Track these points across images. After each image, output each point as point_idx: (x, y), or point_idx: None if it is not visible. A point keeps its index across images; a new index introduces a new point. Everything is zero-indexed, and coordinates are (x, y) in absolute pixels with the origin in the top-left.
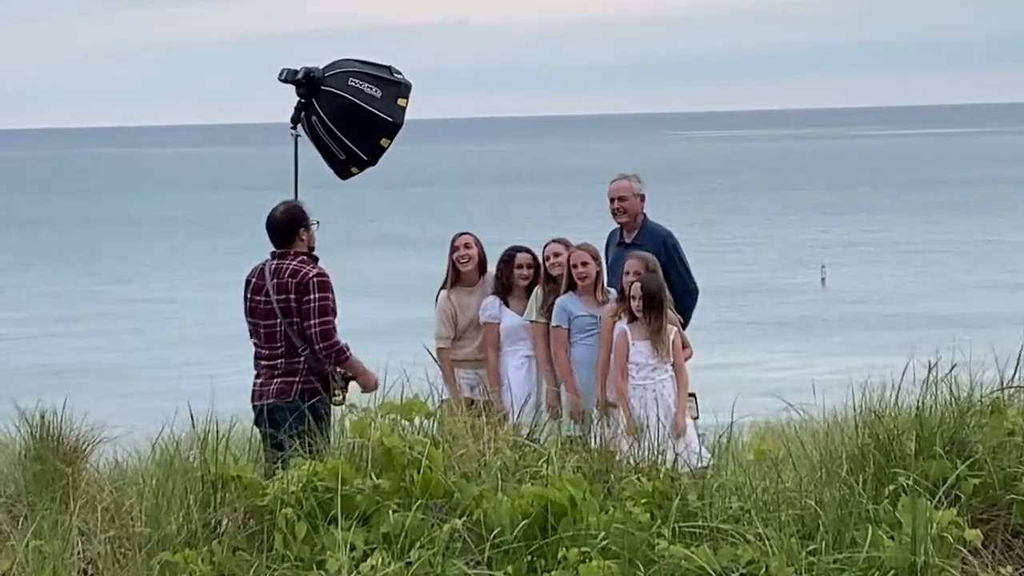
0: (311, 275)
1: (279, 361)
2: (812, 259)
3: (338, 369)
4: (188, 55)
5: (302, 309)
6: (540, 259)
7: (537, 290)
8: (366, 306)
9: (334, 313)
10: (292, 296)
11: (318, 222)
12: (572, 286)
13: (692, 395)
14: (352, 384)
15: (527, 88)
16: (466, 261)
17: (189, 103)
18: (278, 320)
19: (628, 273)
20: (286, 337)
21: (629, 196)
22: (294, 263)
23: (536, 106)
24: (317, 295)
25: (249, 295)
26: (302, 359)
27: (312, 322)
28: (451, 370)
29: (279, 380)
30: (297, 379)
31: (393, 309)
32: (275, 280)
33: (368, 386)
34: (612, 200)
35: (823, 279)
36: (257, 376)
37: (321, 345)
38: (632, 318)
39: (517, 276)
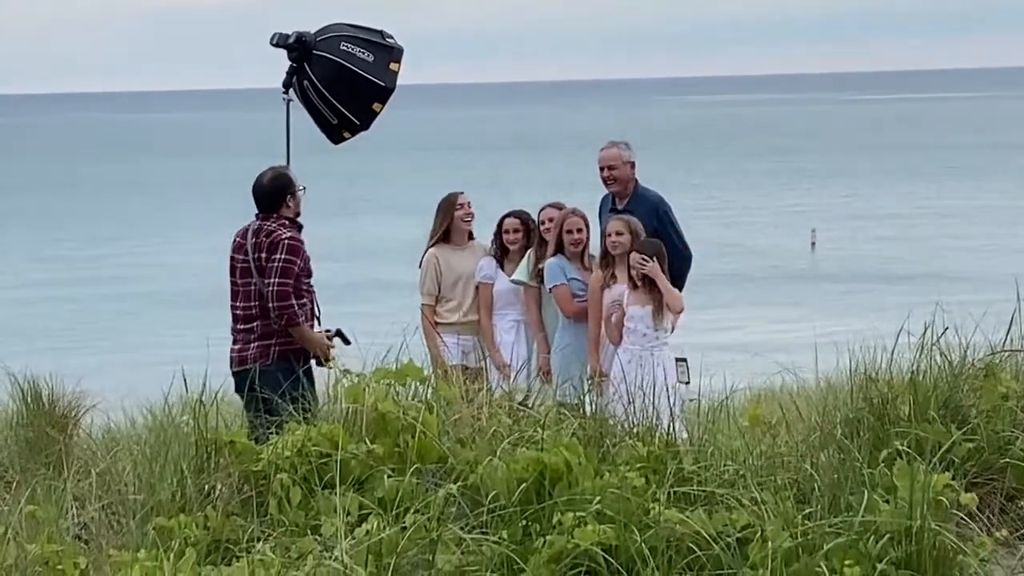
0: (284, 237)
1: (255, 324)
2: (803, 223)
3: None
4: (184, 21)
5: (267, 267)
6: (532, 222)
7: (530, 253)
8: (358, 270)
9: (297, 278)
10: (263, 255)
11: (304, 188)
12: (560, 249)
13: (684, 360)
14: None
15: (518, 54)
16: (469, 220)
17: (188, 68)
18: (253, 279)
19: (611, 234)
20: (260, 297)
21: (619, 164)
22: (274, 225)
23: (525, 72)
24: (283, 255)
25: (232, 254)
26: None
27: (272, 280)
28: (433, 327)
29: (256, 344)
30: (273, 341)
31: (385, 273)
32: (255, 239)
33: (323, 353)
34: (602, 168)
35: (813, 243)
36: (235, 342)
37: (275, 304)
38: (634, 285)
39: (505, 240)
